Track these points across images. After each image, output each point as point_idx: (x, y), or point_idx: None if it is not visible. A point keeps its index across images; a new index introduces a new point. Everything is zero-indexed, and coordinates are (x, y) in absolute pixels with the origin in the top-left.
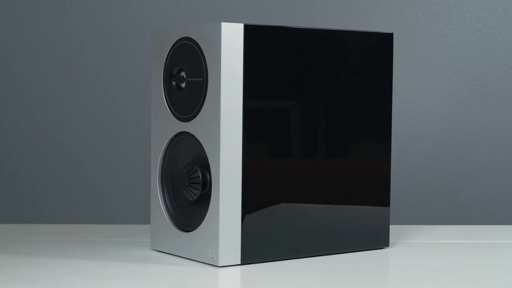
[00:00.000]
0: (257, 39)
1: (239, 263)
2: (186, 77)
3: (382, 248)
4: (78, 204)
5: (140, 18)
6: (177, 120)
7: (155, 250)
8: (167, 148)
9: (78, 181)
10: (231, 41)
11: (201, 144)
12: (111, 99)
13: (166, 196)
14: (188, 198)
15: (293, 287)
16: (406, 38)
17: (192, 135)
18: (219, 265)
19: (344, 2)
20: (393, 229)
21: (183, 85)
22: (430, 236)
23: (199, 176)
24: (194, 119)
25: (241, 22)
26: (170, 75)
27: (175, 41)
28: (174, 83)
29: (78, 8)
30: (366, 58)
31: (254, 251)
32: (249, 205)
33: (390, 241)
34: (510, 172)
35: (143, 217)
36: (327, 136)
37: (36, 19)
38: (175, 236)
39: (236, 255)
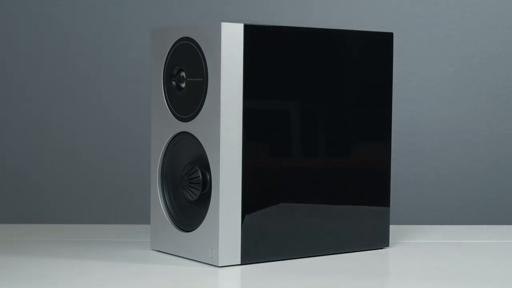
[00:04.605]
0: (257, 39)
1: (239, 263)
2: (186, 77)
3: (382, 248)
4: (78, 204)
5: (140, 18)
6: (177, 120)
7: (155, 250)
8: (167, 148)
9: (78, 181)
10: (231, 41)
11: (201, 144)
12: (111, 99)
13: (166, 196)
14: (188, 198)
15: (293, 287)
16: (406, 38)
17: (192, 135)
18: (219, 265)
19: (344, 2)
20: (393, 229)
21: (183, 85)
22: (430, 236)
23: (199, 176)
24: (194, 119)
25: (241, 22)
26: (170, 75)
27: (175, 41)
28: (174, 83)
29: (78, 8)
30: (366, 58)
31: (254, 251)
32: (249, 205)
33: (390, 241)
34: (510, 172)
35: (143, 217)
36: (327, 136)
37: (36, 18)
38: (175, 236)
39: (236, 255)
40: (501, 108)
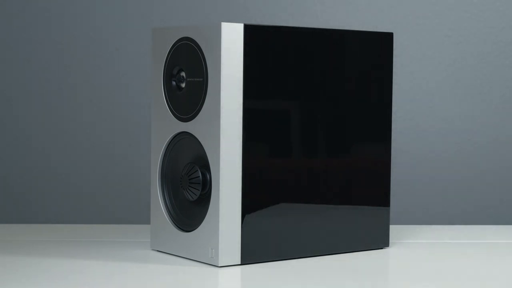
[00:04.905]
0: (257, 39)
1: (239, 263)
2: (186, 77)
3: (382, 248)
4: (78, 204)
5: (140, 18)
6: (177, 120)
7: (155, 250)
8: (167, 148)
9: (78, 181)
10: (231, 41)
11: (201, 144)
12: (111, 99)
13: (166, 196)
14: (188, 198)
15: (293, 287)
16: (406, 38)
17: (192, 135)
18: (219, 265)
19: (344, 2)
20: (393, 229)
21: (183, 85)
22: (430, 236)
23: (199, 176)
24: (194, 119)
25: (241, 22)
26: (170, 75)
27: (175, 41)
28: (174, 83)
29: (78, 8)
30: (366, 58)
31: (254, 251)
32: (249, 205)
33: (390, 241)
34: (510, 172)
35: (143, 217)
36: (327, 136)
37: (36, 18)
38: (175, 236)
39: (236, 255)
40: (501, 108)
